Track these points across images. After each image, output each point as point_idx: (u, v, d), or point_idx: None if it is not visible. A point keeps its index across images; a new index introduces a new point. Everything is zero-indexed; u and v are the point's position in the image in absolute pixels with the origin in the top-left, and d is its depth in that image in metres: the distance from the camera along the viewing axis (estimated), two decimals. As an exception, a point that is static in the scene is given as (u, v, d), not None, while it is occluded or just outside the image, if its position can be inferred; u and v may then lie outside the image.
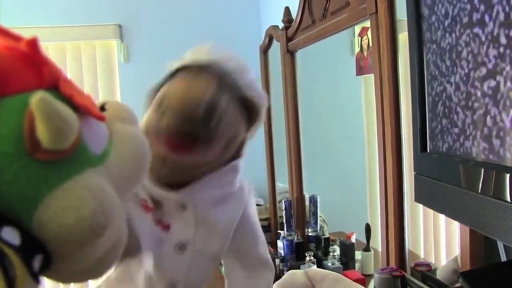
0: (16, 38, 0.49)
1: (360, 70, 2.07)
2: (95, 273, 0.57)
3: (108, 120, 0.57)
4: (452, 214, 0.82)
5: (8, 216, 0.44)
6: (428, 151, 0.90)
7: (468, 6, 0.75)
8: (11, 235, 0.43)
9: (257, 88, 1.09)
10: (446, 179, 0.83)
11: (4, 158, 0.44)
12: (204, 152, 1.00)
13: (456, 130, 0.81)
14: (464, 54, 0.78)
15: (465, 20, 0.77)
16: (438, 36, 0.85)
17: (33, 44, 0.47)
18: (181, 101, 0.97)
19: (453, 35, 0.81)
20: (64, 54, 2.72)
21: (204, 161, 1.03)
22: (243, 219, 1.19)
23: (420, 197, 0.92)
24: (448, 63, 0.83)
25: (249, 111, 1.05)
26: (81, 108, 0.50)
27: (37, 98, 0.43)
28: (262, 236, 1.29)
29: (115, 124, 0.60)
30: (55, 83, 0.50)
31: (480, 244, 1.07)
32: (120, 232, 0.57)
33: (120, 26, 2.79)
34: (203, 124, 0.97)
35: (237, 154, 1.10)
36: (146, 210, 1.05)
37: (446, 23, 0.82)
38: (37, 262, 0.47)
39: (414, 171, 0.94)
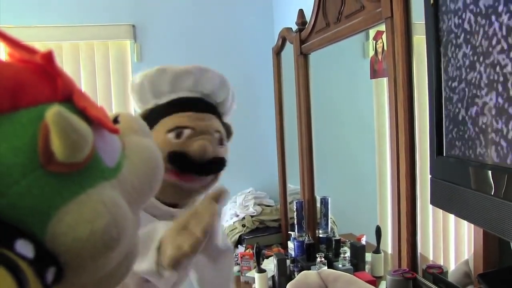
0: (31, 51, 0.49)
1: (375, 73, 2.08)
2: (108, 285, 0.57)
3: (121, 133, 0.57)
4: (468, 217, 0.82)
5: (22, 229, 0.44)
6: (444, 154, 0.91)
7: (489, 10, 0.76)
8: (25, 248, 0.43)
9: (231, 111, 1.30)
10: (463, 182, 0.84)
11: (17, 170, 0.44)
12: (209, 179, 1.16)
13: (473, 134, 0.82)
14: (483, 57, 0.79)
15: (484, 24, 0.78)
16: (456, 40, 0.86)
17: (48, 57, 0.47)
18: (203, 131, 1.12)
19: (471, 39, 0.82)
20: (78, 53, 2.74)
21: (207, 184, 1.17)
22: None
23: (436, 201, 0.93)
24: (466, 66, 0.84)
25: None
26: (95, 120, 0.49)
27: (53, 112, 0.43)
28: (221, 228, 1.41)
29: (128, 137, 0.60)
30: (69, 96, 0.50)
31: (493, 247, 1.08)
32: (132, 245, 0.57)
33: (133, 26, 2.81)
34: (220, 148, 1.15)
35: None
36: None
37: (465, 27, 0.83)
38: (50, 275, 0.46)
39: (430, 175, 0.95)
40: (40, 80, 0.48)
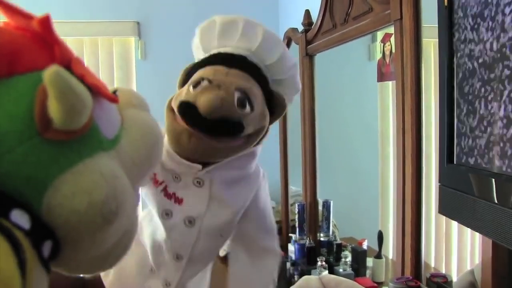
0: (28, 17, 0.47)
1: (382, 76, 2.05)
2: (104, 264, 0.56)
3: (119, 106, 0.56)
4: (478, 227, 0.80)
5: (18, 199, 0.43)
6: (455, 163, 0.89)
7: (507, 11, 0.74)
8: (21, 218, 0.42)
9: (290, 82, 1.16)
10: (473, 192, 0.81)
11: (13, 137, 0.42)
12: (233, 139, 1.05)
13: (485, 143, 0.80)
14: (498, 62, 0.76)
15: (499, 29, 0.75)
16: (470, 44, 0.84)
17: (45, 22, 0.45)
18: (220, 86, 1.00)
19: (486, 43, 0.79)
20: (82, 49, 2.73)
21: (230, 146, 1.07)
22: (253, 202, 1.24)
23: (444, 209, 0.91)
24: (480, 72, 0.81)
25: (272, 104, 1.11)
26: (94, 88, 0.48)
27: (51, 72, 0.41)
28: (271, 224, 1.33)
29: (126, 110, 0.58)
30: (66, 63, 0.48)
31: (503, 259, 1.05)
32: (130, 222, 0.55)
33: (138, 23, 2.80)
34: (237, 110, 1.01)
35: (257, 141, 1.14)
36: (155, 184, 1.12)
37: (480, 30, 0.81)
38: (46, 249, 0.45)
39: (439, 182, 0.93)
40: (38, 47, 0.47)
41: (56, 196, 0.44)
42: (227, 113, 0.99)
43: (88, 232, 0.47)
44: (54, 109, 0.42)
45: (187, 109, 0.99)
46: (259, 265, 1.29)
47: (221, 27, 1.11)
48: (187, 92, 1.02)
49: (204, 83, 1.01)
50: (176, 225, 1.13)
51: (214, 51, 1.10)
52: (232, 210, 1.18)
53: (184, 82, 1.09)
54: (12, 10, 0.47)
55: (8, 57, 0.44)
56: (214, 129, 0.99)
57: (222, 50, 1.09)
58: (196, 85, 1.02)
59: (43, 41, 0.47)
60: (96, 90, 0.48)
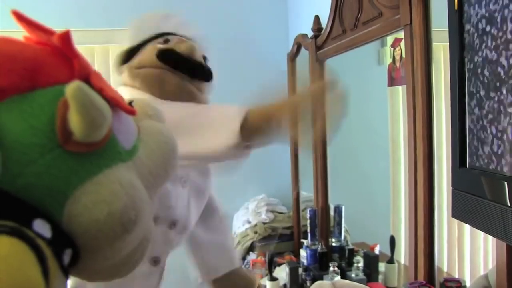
0: (48, 32, 0.49)
1: (392, 81, 2.04)
2: (121, 272, 0.57)
3: (136, 117, 0.58)
4: (492, 231, 0.80)
5: (39, 209, 0.44)
6: (467, 166, 0.89)
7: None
8: (43, 228, 0.43)
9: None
10: (487, 195, 0.81)
11: (35, 150, 0.43)
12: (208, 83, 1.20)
13: (499, 145, 0.79)
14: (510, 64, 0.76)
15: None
16: (482, 48, 0.84)
17: (65, 38, 0.47)
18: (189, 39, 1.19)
19: (498, 46, 0.79)
20: (93, 57, 2.76)
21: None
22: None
23: (457, 213, 0.91)
24: (492, 75, 0.81)
25: None
26: (112, 101, 0.49)
27: (74, 87, 0.42)
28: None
29: (142, 121, 0.60)
30: (85, 77, 0.49)
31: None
32: (147, 229, 0.56)
33: (148, 30, 2.82)
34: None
35: None
36: None
37: (491, 34, 0.81)
38: (66, 257, 0.46)
39: (452, 186, 0.93)
40: (58, 61, 0.49)
41: (77, 206, 0.46)
42: (201, 60, 1.17)
43: (108, 241, 0.48)
44: (75, 123, 0.43)
45: (168, 54, 1.12)
46: (212, 226, 1.42)
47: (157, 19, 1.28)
48: (157, 47, 1.15)
49: (176, 37, 1.17)
50: (172, 189, 1.18)
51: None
52: (205, 172, 1.32)
53: (126, 60, 1.22)
54: (33, 25, 0.49)
55: (30, 72, 0.46)
56: (196, 71, 1.14)
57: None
58: (166, 41, 1.16)
59: (62, 55, 0.49)
60: (115, 103, 0.50)
